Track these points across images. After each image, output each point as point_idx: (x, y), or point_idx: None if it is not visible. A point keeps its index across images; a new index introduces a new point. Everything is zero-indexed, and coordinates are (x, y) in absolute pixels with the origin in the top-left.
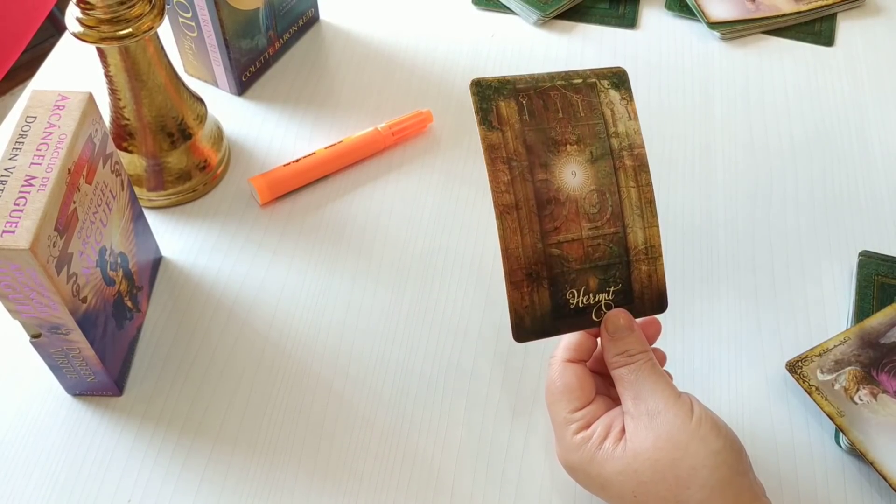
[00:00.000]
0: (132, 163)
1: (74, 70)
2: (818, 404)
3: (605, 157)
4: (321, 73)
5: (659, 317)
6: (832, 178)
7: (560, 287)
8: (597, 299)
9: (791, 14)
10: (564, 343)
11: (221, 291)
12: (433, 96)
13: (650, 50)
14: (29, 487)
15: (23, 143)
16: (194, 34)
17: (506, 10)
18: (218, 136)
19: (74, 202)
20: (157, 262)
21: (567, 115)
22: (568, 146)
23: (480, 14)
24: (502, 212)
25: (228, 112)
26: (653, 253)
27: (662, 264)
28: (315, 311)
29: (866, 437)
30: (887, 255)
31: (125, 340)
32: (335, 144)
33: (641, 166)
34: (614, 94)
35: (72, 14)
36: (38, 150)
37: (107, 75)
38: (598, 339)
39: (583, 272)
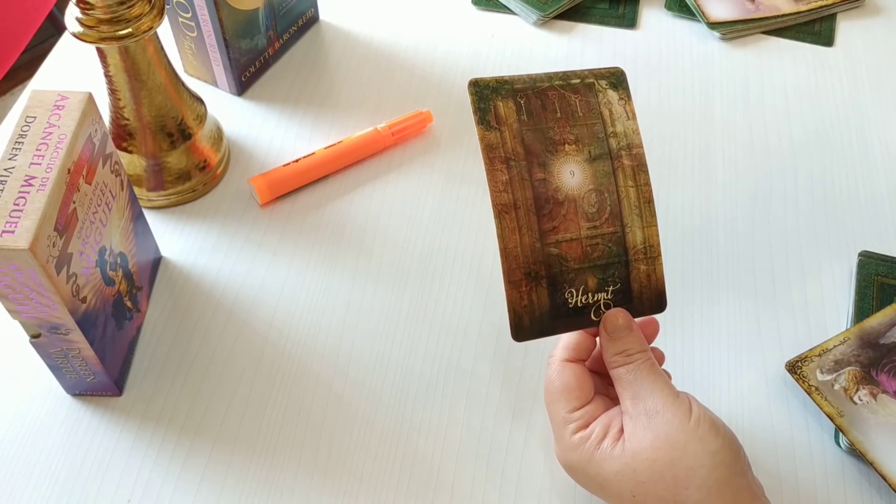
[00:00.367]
0: (132, 163)
1: (74, 70)
2: (818, 404)
3: (603, 156)
4: (321, 73)
5: (659, 317)
6: (832, 178)
7: (559, 286)
8: (595, 299)
9: (791, 14)
10: (563, 342)
11: (221, 291)
12: (433, 96)
13: (650, 50)
14: (29, 487)
15: (22, 143)
16: (194, 34)
17: (505, 10)
18: (218, 136)
19: (74, 202)
20: (157, 262)
21: (565, 115)
22: (566, 146)
23: (480, 14)
24: (501, 211)
25: (228, 112)
26: (651, 252)
27: (661, 264)
28: (315, 310)
29: (866, 438)
30: (887, 256)
31: (125, 340)
32: (335, 144)
33: (640, 166)
34: (612, 94)
35: (71, 14)
36: (37, 150)
37: (106, 75)
38: (597, 339)
39: (581, 272)
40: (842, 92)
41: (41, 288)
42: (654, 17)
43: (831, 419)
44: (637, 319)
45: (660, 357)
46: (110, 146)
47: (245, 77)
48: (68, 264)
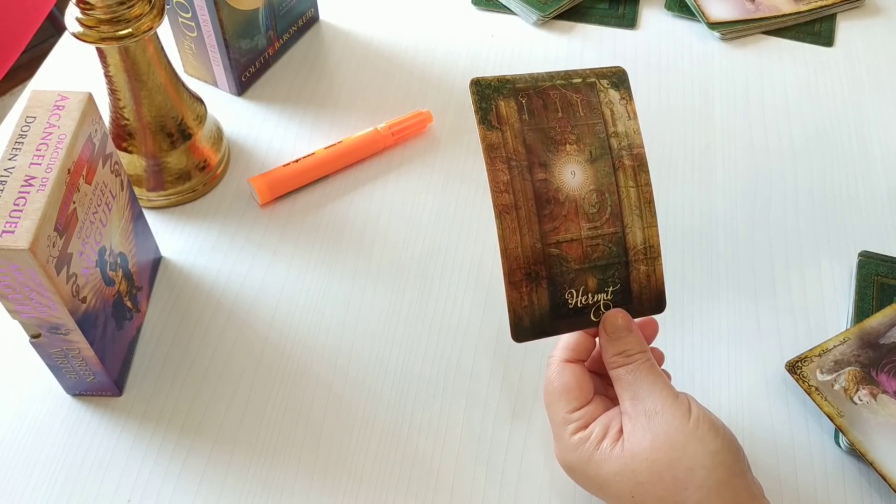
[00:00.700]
0: (132, 163)
1: (74, 70)
2: (818, 405)
3: (604, 156)
4: (321, 73)
5: (659, 317)
6: (832, 179)
7: (559, 287)
8: (595, 299)
9: (791, 14)
10: (563, 343)
11: (221, 291)
12: (433, 96)
13: (650, 50)
14: (29, 487)
15: (22, 143)
16: (194, 34)
17: (505, 10)
18: (218, 136)
19: (74, 202)
20: (157, 262)
21: (566, 114)
22: (567, 146)
23: (480, 14)
24: (501, 211)
25: (228, 112)
26: (651, 253)
27: (661, 264)
28: (314, 311)
29: (866, 438)
30: (887, 256)
31: (125, 340)
32: (335, 144)
33: (641, 166)
34: (614, 94)
35: (71, 14)
36: (37, 150)
37: (106, 75)
38: (597, 339)
39: (582, 272)
40: (842, 92)
41: (41, 288)
42: (654, 17)
43: (831, 419)
44: (637, 320)
45: (659, 357)
46: (110, 146)
47: (245, 77)
48: (68, 264)
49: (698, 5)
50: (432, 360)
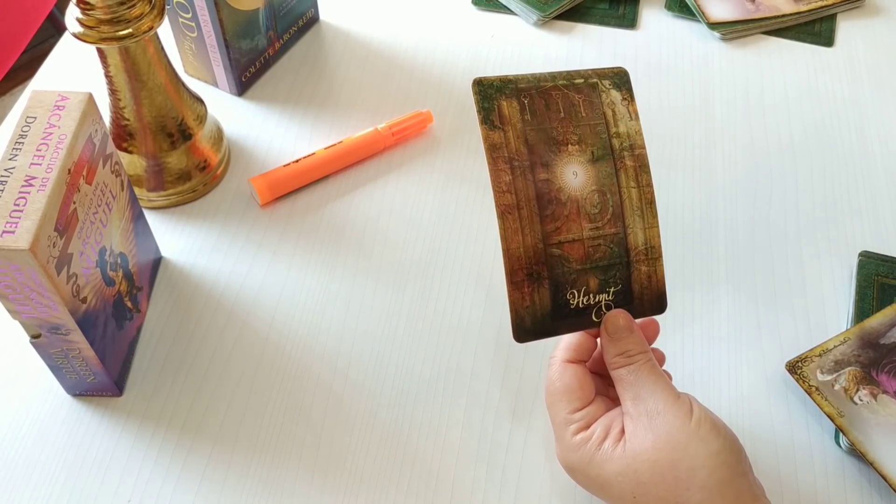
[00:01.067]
0: (132, 163)
1: (74, 70)
2: (818, 405)
3: (606, 157)
4: (321, 73)
5: (659, 317)
6: (832, 178)
7: (560, 287)
8: (597, 300)
9: (791, 14)
10: (564, 343)
11: (221, 292)
12: (433, 97)
13: (650, 50)
14: (29, 487)
15: (23, 143)
16: (194, 34)
17: (506, 10)
18: (218, 136)
19: (74, 202)
20: (157, 262)
21: (568, 114)
22: (569, 146)
23: (480, 14)
24: (504, 211)
25: (228, 112)
26: (653, 254)
27: (662, 265)
28: (315, 311)
29: (866, 438)
30: (887, 256)
31: (125, 341)
32: (335, 145)
33: (642, 167)
34: (615, 94)
35: (72, 14)
36: (37, 150)
37: (107, 76)
38: (598, 340)
39: (583, 272)
40: (842, 92)
41: (41, 288)
42: (654, 18)
43: (831, 419)
44: (638, 320)
45: (660, 358)
46: (110, 146)
47: (245, 77)
48: (68, 264)
49: (698, 5)
50: (432, 361)
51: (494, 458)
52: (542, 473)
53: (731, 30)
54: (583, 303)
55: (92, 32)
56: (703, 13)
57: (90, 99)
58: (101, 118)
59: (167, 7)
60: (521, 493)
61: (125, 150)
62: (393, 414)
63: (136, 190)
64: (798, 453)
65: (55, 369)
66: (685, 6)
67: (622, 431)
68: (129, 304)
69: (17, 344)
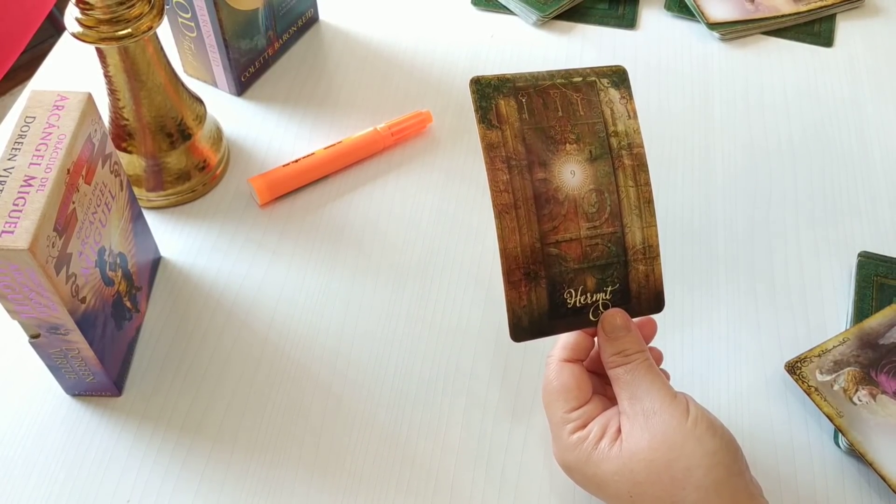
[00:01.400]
0: (131, 163)
1: (74, 70)
2: (817, 405)
3: (604, 156)
4: (320, 73)
5: (658, 316)
6: (832, 179)
7: (558, 286)
8: (594, 299)
9: (790, 15)
10: (561, 343)
11: (221, 292)
12: (432, 97)
13: (649, 51)
14: (29, 487)
15: (22, 143)
16: (193, 34)
17: (505, 10)
18: (217, 136)
19: (73, 202)
20: (157, 262)
21: (566, 113)
22: (567, 145)
23: (480, 14)
24: (501, 211)
25: (228, 112)
26: (650, 253)
27: (660, 264)
28: (314, 311)
29: (865, 438)
30: (886, 256)
31: (124, 341)
32: (334, 145)
33: (640, 166)
34: (614, 93)
35: (71, 14)
36: (37, 150)
37: (106, 75)
38: (596, 339)
39: (581, 272)
40: (841, 92)
41: (40, 288)
42: (653, 18)
43: (831, 420)
44: (635, 319)
45: (658, 357)
46: (110, 146)
47: (245, 77)
48: (68, 264)
49: (698, 6)
50: (431, 361)
51: (493, 459)
52: (542, 473)
53: (731, 30)
54: (580, 302)
55: (91, 32)
56: (702, 13)
57: (89, 99)
58: (100, 118)
59: (166, 7)
60: (520, 492)
61: (124, 150)
62: (392, 414)
63: (136, 190)
64: (797, 454)
65: (54, 369)
66: (684, 6)
67: (619, 431)
68: (128, 304)
69: (16, 344)
